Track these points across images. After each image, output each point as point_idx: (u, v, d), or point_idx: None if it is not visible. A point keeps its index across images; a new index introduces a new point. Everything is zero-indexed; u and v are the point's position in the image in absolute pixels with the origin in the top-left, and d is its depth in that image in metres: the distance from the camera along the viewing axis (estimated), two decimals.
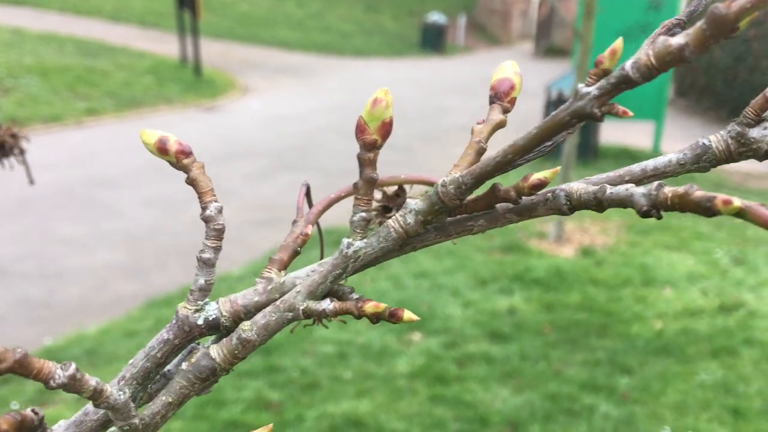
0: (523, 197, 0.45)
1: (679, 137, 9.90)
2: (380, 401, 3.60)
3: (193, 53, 12.99)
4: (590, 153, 8.58)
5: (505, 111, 0.47)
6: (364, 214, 0.46)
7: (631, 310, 4.58)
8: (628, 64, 0.37)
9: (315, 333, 4.18)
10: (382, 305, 0.45)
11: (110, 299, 4.95)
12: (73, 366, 0.38)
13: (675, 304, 4.66)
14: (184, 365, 0.45)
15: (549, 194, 0.45)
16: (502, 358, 4.02)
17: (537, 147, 0.40)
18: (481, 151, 0.45)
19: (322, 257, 0.51)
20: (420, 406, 3.58)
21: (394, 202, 0.58)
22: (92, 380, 0.39)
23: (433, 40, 20.85)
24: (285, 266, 0.48)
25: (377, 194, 0.61)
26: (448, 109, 12.18)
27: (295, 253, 0.50)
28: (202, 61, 13.26)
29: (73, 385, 0.38)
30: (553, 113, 0.40)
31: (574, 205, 0.44)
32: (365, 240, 0.45)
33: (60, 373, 0.38)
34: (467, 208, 0.46)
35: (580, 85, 0.39)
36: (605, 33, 8.34)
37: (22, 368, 0.36)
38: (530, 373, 3.86)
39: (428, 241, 0.47)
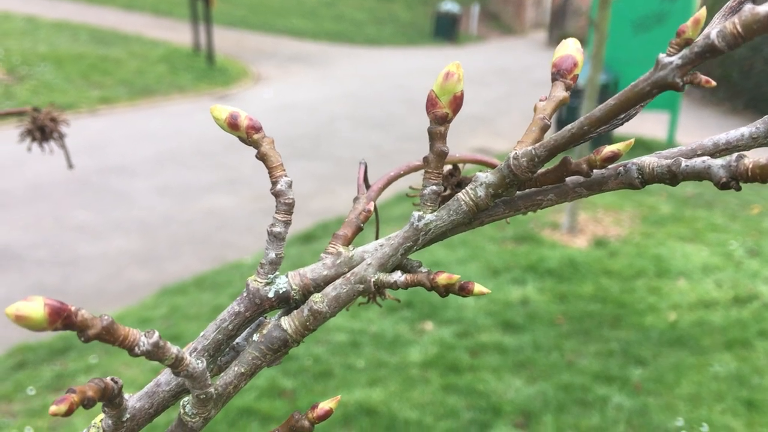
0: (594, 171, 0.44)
1: (694, 128, 9.83)
2: (393, 390, 3.61)
3: (206, 42, 13.00)
4: (604, 143, 8.53)
5: (568, 88, 0.46)
6: (434, 187, 0.45)
7: (644, 302, 4.56)
8: (713, 33, 0.36)
9: (328, 322, 4.19)
10: (455, 276, 0.45)
11: (124, 287, 4.98)
12: (157, 334, 0.38)
13: (689, 296, 4.64)
14: (255, 337, 0.45)
15: (620, 168, 0.44)
16: (514, 348, 4.01)
17: (613, 119, 0.40)
18: (545, 128, 0.45)
19: (377, 237, 0.51)
20: (433, 395, 3.59)
21: (448, 181, 0.58)
22: (173, 348, 0.39)
23: (446, 29, 20.75)
24: (349, 242, 0.49)
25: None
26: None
27: (359, 229, 0.50)
28: (215, 50, 13.27)
29: (155, 353, 0.38)
30: (633, 84, 0.39)
31: (646, 178, 0.44)
32: (435, 213, 0.45)
33: (144, 340, 0.38)
34: (537, 182, 0.45)
35: (661, 55, 0.38)
36: (620, 22, 8.28)
37: (108, 335, 0.36)
38: (543, 364, 3.86)
39: (497, 215, 0.46)
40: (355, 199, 0.53)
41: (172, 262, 5.39)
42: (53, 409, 0.34)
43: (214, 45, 13.19)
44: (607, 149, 0.41)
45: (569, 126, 0.41)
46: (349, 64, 15.18)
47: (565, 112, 7.94)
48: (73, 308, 0.33)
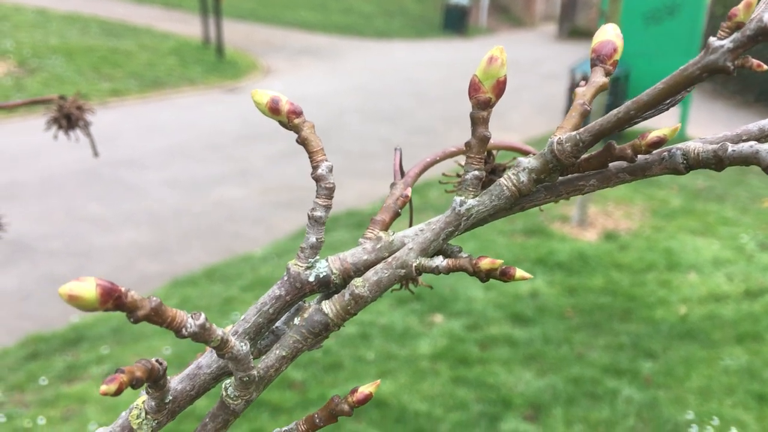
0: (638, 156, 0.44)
1: (705, 121, 9.77)
2: (403, 382, 3.62)
3: (215, 34, 13.01)
4: (614, 137, 8.50)
5: (608, 73, 0.46)
6: (476, 172, 0.45)
7: (655, 295, 4.55)
8: (766, 16, 0.36)
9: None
10: (498, 261, 0.45)
11: (135, 278, 5.01)
12: (203, 316, 0.39)
13: (700, 289, 4.63)
14: (296, 320, 0.45)
15: (665, 153, 0.44)
16: (524, 341, 4.02)
17: (660, 103, 0.40)
18: (585, 113, 0.45)
19: (411, 224, 0.51)
20: (442, 387, 3.60)
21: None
22: (219, 330, 0.40)
23: (456, 22, 20.68)
24: (387, 227, 0.49)
25: (462, 160, 0.61)
26: None
27: (396, 215, 0.50)
28: (225, 43, 13.27)
29: (202, 335, 0.39)
30: (682, 67, 0.39)
31: (691, 164, 0.43)
32: (478, 198, 0.45)
33: (191, 322, 0.39)
34: (580, 167, 0.45)
35: (712, 39, 0.38)
36: (631, 14, 8.23)
37: (157, 316, 0.37)
38: (553, 357, 3.86)
39: (538, 201, 0.46)
40: (392, 185, 0.53)
41: (182, 254, 5.42)
42: (104, 388, 0.34)
43: (224, 38, 13.20)
44: (653, 134, 0.41)
45: (615, 110, 0.41)
46: (359, 57, 15.16)
47: None
48: (123, 289, 0.34)
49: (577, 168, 0.45)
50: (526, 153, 0.58)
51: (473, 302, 4.43)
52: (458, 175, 0.57)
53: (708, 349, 3.93)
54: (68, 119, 1.04)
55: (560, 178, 0.46)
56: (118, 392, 0.35)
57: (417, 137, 8.85)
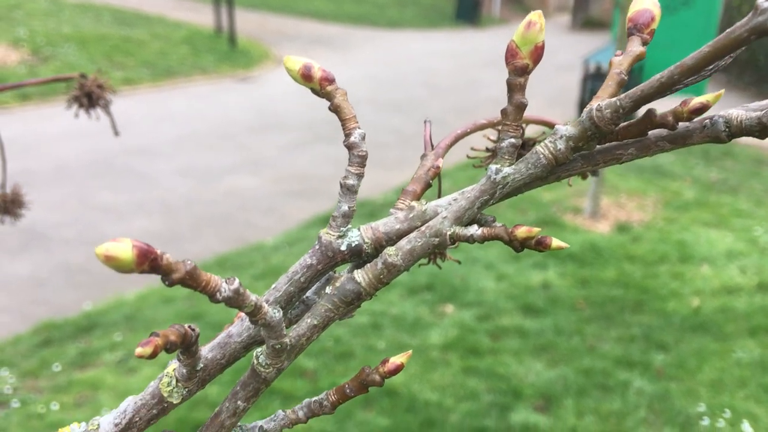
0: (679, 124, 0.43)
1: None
2: (413, 372, 3.63)
3: (228, 23, 13.00)
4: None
5: (644, 43, 0.45)
6: (513, 140, 0.45)
7: (667, 287, 4.53)
8: None
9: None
10: (535, 230, 0.44)
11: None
12: (237, 281, 0.38)
13: (713, 282, 4.60)
14: (328, 289, 0.45)
15: (706, 121, 0.43)
16: (535, 332, 4.01)
17: (704, 68, 0.39)
18: (621, 83, 0.44)
19: (440, 196, 0.51)
20: (453, 377, 3.60)
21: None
22: (253, 296, 0.39)
23: (468, 12, 20.59)
24: (418, 197, 0.48)
25: (492, 134, 0.60)
26: (482, 82, 12.06)
27: (427, 185, 0.49)
28: (237, 32, 13.27)
29: (236, 299, 0.38)
30: (729, 30, 0.38)
31: (733, 131, 0.42)
32: (513, 166, 0.44)
33: (225, 287, 0.38)
34: (618, 135, 0.44)
35: (760, 1, 0.37)
36: None
37: (191, 280, 0.37)
38: (564, 348, 3.85)
39: (574, 170, 0.45)
40: (423, 156, 0.53)
41: (193, 243, 5.43)
42: (139, 351, 0.34)
43: (236, 27, 13.19)
44: (696, 100, 0.40)
45: (658, 75, 0.40)
46: (371, 46, 15.13)
47: (588, 96, 7.86)
48: (158, 251, 0.34)
49: (615, 136, 0.44)
50: (551, 126, 0.57)
51: (484, 293, 4.43)
52: (487, 149, 0.56)
53: (720, 342, 3.91)
54: (89, 98, 1.04)
55: (598, 146, 0.45)
56: (153, 355, 0.35)
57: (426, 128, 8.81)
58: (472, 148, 0.61)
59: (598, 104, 0.42)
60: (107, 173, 6.85)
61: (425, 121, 0.56)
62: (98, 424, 0.43)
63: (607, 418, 3.28)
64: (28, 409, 3.39)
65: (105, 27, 12.90)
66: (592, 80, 8.20)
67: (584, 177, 0.52)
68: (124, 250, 0.32)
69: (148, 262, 0.33)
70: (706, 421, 3.25)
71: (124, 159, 7.25)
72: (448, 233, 0.44)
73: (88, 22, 12.99)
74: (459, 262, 0.61)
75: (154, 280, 4.77)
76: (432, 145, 0.54)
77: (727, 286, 4.55)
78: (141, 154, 7.44)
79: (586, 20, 21.10)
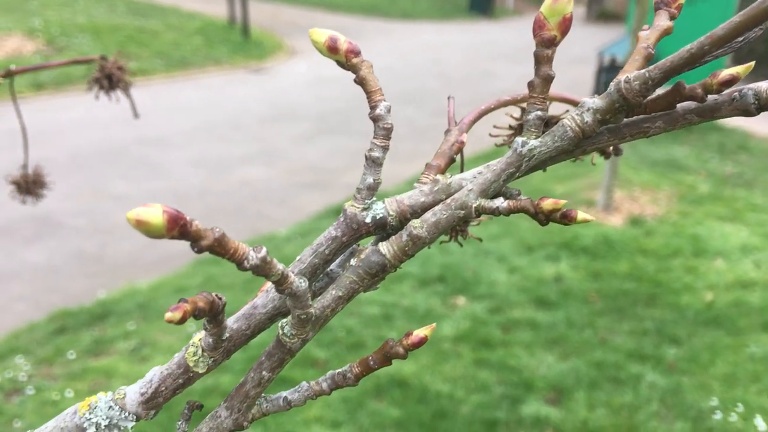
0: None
1: None
2: (425, 363, 3.63)
3: (241, 14, 13.01)
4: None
5: (672, 17, 0.45)
6: (540, 112, 0.44)
7: (681, 281, 4.51)
8: None
9: (361, 295, 4.22)
10: (561, 202, 0.44)
11: (160, 256, 5.06)
12: (265, 249, 0.39)
13: (727, 276, 4.58)
14: (353, 261, 0.45)
15: (735, 93, 0.43)
16: (547, 324, 4.00)
17: (735, 38, 0.38)
18: (648, 57, 0.43)
19: (462, 168, 0.50)
20: (464, 369, 3.60)
21: (522, 120, 0.57)
22: (279, 265, 0.40)
23: (482, 4, 20.49)
24: (442, 172, 0.48)
25: (515, 112, 0.60)
26: (495, 74, 12.01)
27: (451, 160, 0.49)
28: (251, 23, 13.28)
29: (263, 268, 0.39)
30: (760, 0, 0.37)
31: (762, 104, 0.42)
32: (540, 139, 0.44)
33: (253, 255, 0.38)
34: (646, 108, 0.44)
35: None
36: None
37: (220, 247, 0.37)
38: (576, 341, 3.84)
39: (600, 143, 0.45)
40: (447, 132, 0.52)
41: None
42: (168, 316, 0.35)
43: (250, 18, 13.20)
44: (725, 72, 0.40)
45: (688, 46, 0.39)
46: (384, 38, 15.09)
47: (603, 88, 7.82)
48: (188, 218, 0.34)
49: (642, 109, 0.43)
50: (574, 103, 0.57)
51: (496, 285, 4.42)
52: (510, 127, 0.56)
53: (734, 336, 3.89)
54: (109, 80, 1.04)
55: (625, 119, 0.45)
56: (182, 320, 0.35)
57: (441, 119, 8.79)
58: (495, 126, 0.60)
59: (627, 76, 0.41)
60: (121, 163, 6.88)
61: (449, 98, 0.56)
62: (125, 394, 0.43)
63: (619, 411, 3.28)
64: (43, 396, 3.42)
65: (119, 17, 12.94)
66: (607, 73, 8.15)
67: (606, 156, 0.52)
68: (155, 215, 0.32)
69: (178, 227, 0.33)
70: (718, 416, 3.24)
71: (137, 149, 7.28)
72: (474, 205, 0.44)
73: (103, 13, 13.03)
74: (480, 240, 0.61)
75: (167, 270, 4.80)
76: (455, 121, 0.53)
77: (741, 280, 4.52)
78: (154, 144, 7.47)
79: (600, 12, 20.96)
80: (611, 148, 0.55)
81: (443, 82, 11.20)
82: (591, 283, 4.49)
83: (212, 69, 11.33)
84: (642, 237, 5.19)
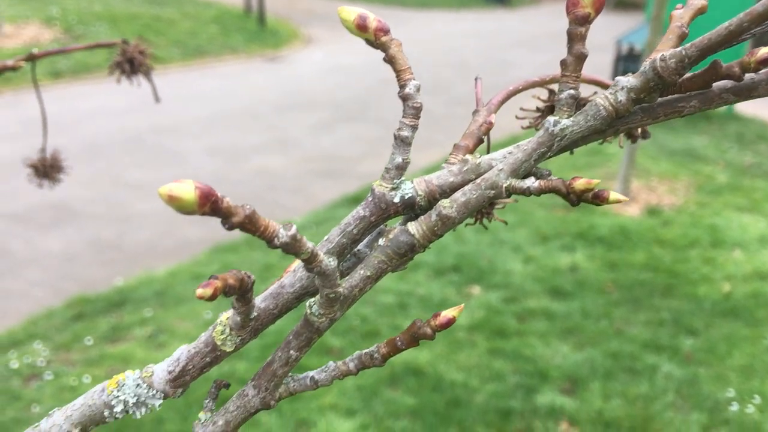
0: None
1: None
2: (439, 352, 3.63)
3: (257, 3, 13.01)
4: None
5: None
6: (572, 91, 0.44)
7: (698, 272, 4.48)
8: None
9: (376, 284, 4.22)
10: (594, 181, 0.43)
11: (177, 243, 5.09)
12: (295, 227, 0.39)
13: (745, 267, 4.54)
14: (381, 241, 0.44)
15: None
16: (562, 314, 3.99)
17: None
18: (682, 36, 0.43)
19: (489, 150, 0.50)
20: (479, 358, 3.60)
21: (547, 102, 0.56)
22: (309, 244, 0.40)
23: None
24: (470, 152, 0.47)
25: (543, 93, 0.59)
26: (512, 63, 11.94)
27: (480, 141, 0.49)
28: (266, 11, 13.27)
29: (293, 245, 0.39)
30: None
31: None
32: (572, 118, 0.43)
33: (283, 232, 0.38)
34: (681, 87, 0.43)
35: None
36: None
37: (251, 224, 0.37)
38: (591, 331, 3.83)
39: (633, 123, 0.44)
40: (475, 112, 0.52)
41: None
42: (199, 292, 0.35)
43: (266, 6, 13.20)
44: (764, 50, 0.39)
45: (726, 23, 0.39)
46: (400, 27, 15.03)
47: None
48: (219, 194, 0.34)
49: (678, 88, 0.43)
50: (605, 85, 0.56)
51: (511, 275, 4.41)
52: (538, 109, 0.55)
53: (751, 327, 3.86)
54: (131, 64, 1.04)
55: (659, 99, 0.44)
56: (213, 297, 0.35)
57: (457, 108, 8.77)
58: (522, 108, 0.60)
59: (662, 54, 0.40)
60: (137, 151, 6.92)
61: (476, 78, 0.55)
62: (152, 372, 0.43)
63: (634, 401, 3.27)
64: (61, 381, 3.46)
65: (136, 6, 12.97)
66: (625, 61, 8.08)
67: (633, 139, 0.51)
68: (187, 190, 0.32)
69: (209, 203, 0.33)
70: (735, 407, 3.22)
71: (153, 137, 7.31)
72: (504, 185, 0.43)
73: (119, 1, 13.07)
74: (506, 223, 0.60)
75: (184, 257, 4.82)
76: (483, 102, 0.53)
77: (759, 271, 4.48)
78: (170, 132, 7.50)
79: (619, 0, 20.76)
80: (639, 131, 0.54)
81: (459, 71, 11.15)
82: (607, 273, 4.47)
83: (228, 57, 11.35)
84: (659, 227, 5.15)
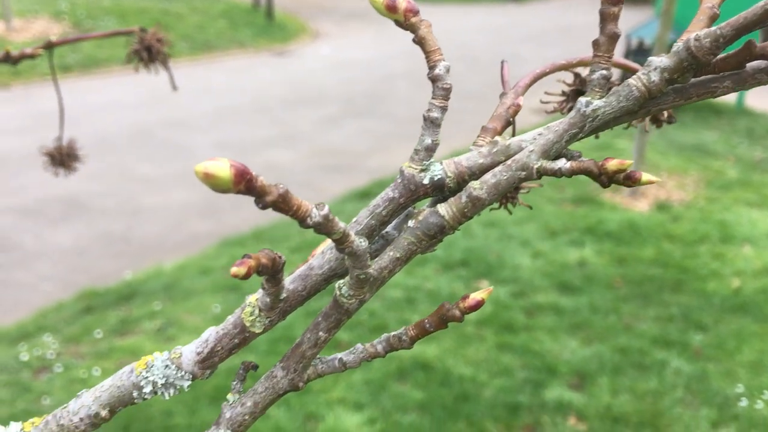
0: None
1: (765, 92, 9.44)
2: (447, 346, 3.63)
3: None
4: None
5: None
6: (604, 71, 0.43)
7: (707, 267, 4.46)
8: None
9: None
10: (627, 162, 0.43)
11: (186, 237, 5.10)
12: (327, 207, 0.38)
13: (754, 263, 4.52)
14: (410, 223, 0.44)
15: None
16: (571, 309, 3.98)
17: None
18: (713, 17, 0.42)
19: (514, 133, 0.50)
20: (487, 353, 3.60)
21: (574, 85, 0.56)
22: (341, 224, 0.39)
23: None
24: (498, 135, 0.47)
25: (568, 77, 0.59)
26: (522, 58, 11.89)
27: (508, 123, 0.48)
28: (274, 6, 13.27)
29: (325, 225, 0.38)
30: None
31: None
32: (604, 99, 0.43)
33: (316, 212, 0.38)
34: (715, 68, 0.43)
35: None
36: None
37: (284, 203, 0.37)
38: (600, 326, 3.82)
39: (665, 104, 0.44)
40: (502, 95, 0.52)
41: (231, 215, 5.48)
42: (234, 270, 0.35)
43: (274, 1, 13.19)
44: None
45: (762, 2, 0.38)
46: None
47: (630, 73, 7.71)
48: (254, 173, 0.34)
49: (711, 68, 0.42)
50: (632, 70, 0.56)
51: (520, 270, 4.41)
52: (562, 92, 0.55)
53: (761, 323, 3.85)
54: (149, 51, 1.05)
55: (692, 79, 0.44)
56: (247, 275, 0.35)
57: (466, 103, 8.74)
58: (546, 93, 0.60)
59: (696, 34, 0.40)
60: (146, 145, 6.93)
61: (502, 62, 0.55)
62: (181, 353, 0.43)
63: (643, 397, 3.26)
64: (71, 373, 3.48)
65: (144, 0, 12.99)
66: (635, 56, 8.04)
67: (659, 124, 0.50)
68: (223, 168, 0.32)
69: (244, 181, 0.33)
70: (744, 403, 3.21)
71: (162, 131, 7.33)
72: (535, 167, 0.43)
73: None
74: (530, 207, 0.60)
75: (193, 251, 4.83)
76: (510, 85, 0.53)
77: None
78: (179, 126, 7.51)
79: None
80: (665, 115, 0.54)
81: (470, 65, 11.12)
82: (616, 269, 4.45)
83: (236, 52, 11.35)
84: (668, 222, 5.13)
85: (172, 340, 3.73)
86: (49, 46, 0.95)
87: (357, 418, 3.11)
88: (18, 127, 7.13)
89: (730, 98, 8.99)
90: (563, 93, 0.59)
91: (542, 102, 0.58)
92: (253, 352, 3.52)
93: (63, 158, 1.19)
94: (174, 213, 5.49)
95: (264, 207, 0.36)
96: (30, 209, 5.41)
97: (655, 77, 0.42)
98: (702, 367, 3.46)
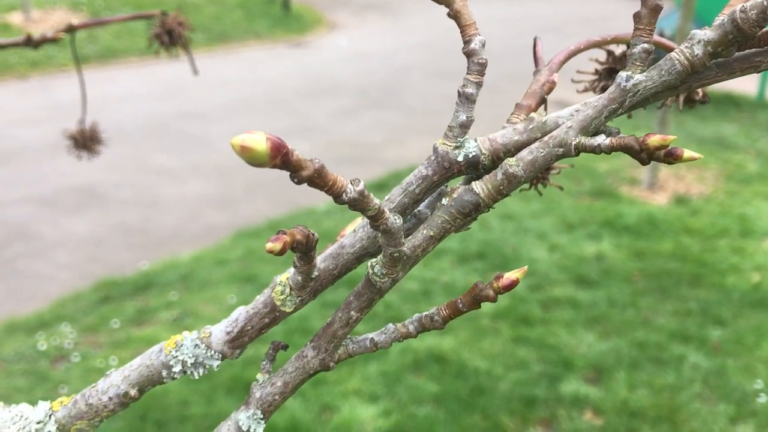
0: None
1: None
2: (463, 339, 3.62)
3: None
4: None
5: None
6: (646, 45, 0.42)
7: (727, 262, 4.42)
8: None
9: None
10: (669, 138, 0.41)
11: (202, 228, 5.12)
12: (362, 183, 0.38)
13: None
14: (444, 201, 0.43)
15: None
16: (588, 303, 3.96)
17: None
18: None
19: (546, 110, 0.49)
20: (503, 346, 3.58)
21: (622, 63, 0.55)
22: (376, 200, 0.38)
23: None
24: (533, 112, 0.46)
25: (601, 56, 0.57)
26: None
27: (542, 100, 0.47)
28: None
29: (361, 201, 0.37)
30: None
31: None
32: (645, 73, 0.42)
33: (351, 188, 0.38)
34: (760, 41, 0.41)
35: None
36: None
37: (320, 178, 0.36)
38: (617, 320, 3.80)
39: (707, 79, 0.43)
40: (536, 72, 0.51)
41: (247, 206, 5.50)
42: (269, 246, 0.34)
43: None
44: None
45: None
46: (424, 12, 14.94)
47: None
48: (290, 147, 0.33)
49: (756, 42, 0.41)
50: (669, 48, 0.54)
51: (536, 263, 4.38)
52: (595, 71, 0.54)
53: None
54: (170, 35, 1.04)
55: (736, 53, 0.42)
56: (282, 251, 0.34)
57: (482, 95, 8.69)
58: (578, 71, 0.58)
59: (742, 5, 0.39)
60: (163, 136, 6.96)
61: (535, 38, 0.54)
62: (210, 333, 0.43)
63: (660, 391, 3.24)
64: (88, 363, 3.50)
65: None
66: (655, 47, 7.95)
67: (692, 104, 0.49)
68: (259, 141, 0.32)
69: (280, 156, 0.33)
70: (762, 399, 3.18)
71: (179, 123, 7.35)
72: (573, 143, 0.42)
73: None
74: (561, 188, 0.59)
75: (208, 242, 4.85)
76: (543, 62, 0.51)
77: None
78: (195, 118, 7.53)
79: None
80: (700, 95, 0.53)
81: (487, 56, 11.06)
82: (634, 263, 4.42)
83: (253, 43, 11.36)
84: (687, 216, 5.09)
85: (188, 329, 3.74)
86: (71, 30, 0.95)
87: (372, 409, 3.11)
88: (35, 117, 7.18)
89: (751, 90, 8.88)
90: (596, 71, 0.57)
91: (573, 81, 0.57)
92: (268, 342, 3.52)
93: (86, 141, 1.19)
94: (190, 204, 5.50)
95: (299, 182, 0.35)
96: (47, 199, 5.45)
97: (698, 50, 0.40)
98: (720, 362, 3.43)
